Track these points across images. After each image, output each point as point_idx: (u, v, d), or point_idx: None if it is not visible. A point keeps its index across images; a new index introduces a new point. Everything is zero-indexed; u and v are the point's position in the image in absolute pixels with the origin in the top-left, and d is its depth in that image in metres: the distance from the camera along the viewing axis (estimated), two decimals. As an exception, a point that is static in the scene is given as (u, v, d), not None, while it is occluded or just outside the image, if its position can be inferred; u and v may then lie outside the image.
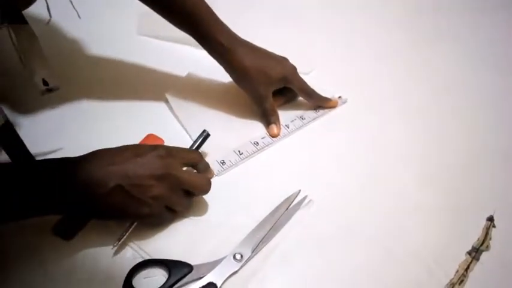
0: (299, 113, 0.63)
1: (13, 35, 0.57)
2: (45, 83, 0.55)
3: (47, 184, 0.42)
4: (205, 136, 0.53)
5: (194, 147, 0.53)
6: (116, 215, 0.46)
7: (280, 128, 0.60)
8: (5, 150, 0.49)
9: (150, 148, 0.46)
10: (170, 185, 0.45)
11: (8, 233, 0.46)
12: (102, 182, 0.42)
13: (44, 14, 0.62)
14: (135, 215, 0.46)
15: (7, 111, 0.56)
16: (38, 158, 0.51)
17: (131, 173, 0.43)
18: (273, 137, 0.59)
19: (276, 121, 0.60)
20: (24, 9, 0.58)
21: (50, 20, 0.62)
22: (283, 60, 0.60)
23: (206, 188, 0.49)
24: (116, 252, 0.46)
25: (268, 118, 0.60)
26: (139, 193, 0.44)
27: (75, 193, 0.43)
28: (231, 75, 0.59)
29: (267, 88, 0.59)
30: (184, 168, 0.48)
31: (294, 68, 0.60)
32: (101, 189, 0.42)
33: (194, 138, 0.56)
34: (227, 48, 0.56)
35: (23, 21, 0.55)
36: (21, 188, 0.41)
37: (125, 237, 0.46)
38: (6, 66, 0.62)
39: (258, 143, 0.58)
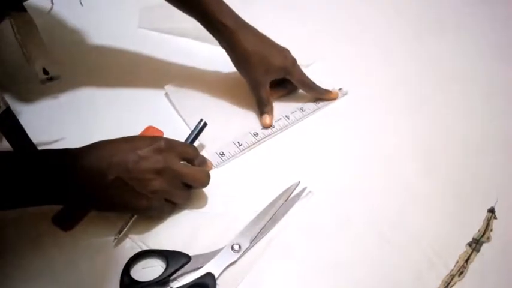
0: (299, 104, 0.62)
1: (15, 27, 0.57)
2: (45, 71, 0.56)
3: (47, 175, 0.42)
4: (202, 125, 0.53)
5: (192, 137, 0.53)
6: (115, 208, 0.46)
7: (272, 119, 0.59)
8: (5, 137, 0.49)
9: (150, 141, 0.46)
10: (170, 178, 0.45)
11: (8, 223, 0.47)
12: (102, 174, 0.42)
13: (45, 2, 0.61)
14: (134, 208, 0.46)
15: (9, 101, 0.56)
16: (39, 148, 0.51)
17: (131, 166, 0.43)
18: (265, 127, 0.59)
19: (270, 112, 0.59)
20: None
21: (51, 8, 0.62)
22: (284, 51, 0.60)
23: (205, 181, 0.48)
24: (116, 244, 0.46)
25: (262, 107, 0.59)
26: (139, 187, 0.44)
27: (75, 184, 0.43)
28: (231, 58, 0.58)
29: (266, 75, 0.58)
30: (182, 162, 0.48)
31: (294, 60, 0.60)
32: (101, 181, 0.43)
33: (194, 130, 0.57)
34: (230, 29, 0.56)
35: (21, 9, 0.55)
36: (21, 177, 0.42)
37: (125, 230, 0.46)
38: (9, 57, 0.62)
39: (257, 133, 0.58)
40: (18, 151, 0.49)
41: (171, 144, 0.47)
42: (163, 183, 0.45)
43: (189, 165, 0.49)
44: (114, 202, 0.45)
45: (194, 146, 0.52)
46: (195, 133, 0.53)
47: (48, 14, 0.64)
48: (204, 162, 0.51)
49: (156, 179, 0.44)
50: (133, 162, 0.43)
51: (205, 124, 0.53)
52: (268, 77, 0.59)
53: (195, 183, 0.48)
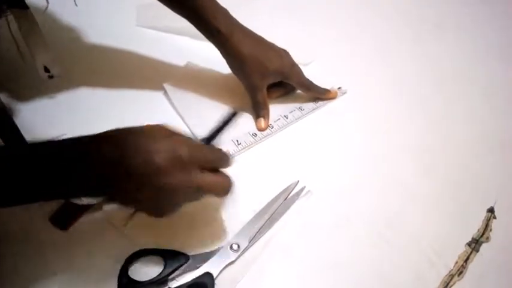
0: (298, 104, 0.62)
1: (11, 25, 0.56)
2: (46, 69, 0.55)
3: (62, 164, 0.38)
4: (232, 114, 0.47)
5: (219, 127, 0.47)
6: (125, 203, 0.43)
7: (268, 123, 0.59)
8: None
9: (171, 145, 0.40)
10: (190, 193, 0.42)
11: (5, 223, 0.46)
12: (120, 172, 0.38)
13: (41, 1, 0.61)
14: (145, 212, 0.43)
15: (6, 99, 0.56)
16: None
17: (146, 179, 0.39)
18: (259, 130, 0.58)
19: (266, 115, 0.59)
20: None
21: (47, 7, 0.61)
22: (282, 53, 0.59)
23: (227, 191, 0.44)
24: (113, 242, 0.46)
25: (258, 111, 0.59)
26: (157, 199, 0.40)
27: (92, 170, 0.39)
28: (227, 62, 0.58)
29: (262, 80, 0.57)
30: None
31: (292, 63, 0.59)
32: (119, 174, 0.38)
33: (191, 128, 0.56)
34: (224, 34, 0.55)
35: (24, 6, 0.54)
36: (30, 169, 0.38)
37: (126, 230, 0.46)
38: (6, 56, 0.62)
39: (256, 134, 0.58)
40: (27, 145, 0.46)
41: (192, 154, 0.41)
42: (182, 198, 0.42)
43: (210, 174, 0.43)
44: (126, 198, 0.41)
45: (217, 150, 0.45)
46: (223, 123, 0.47)
47: (45, 13, 0.63)
48: (226, 160, 0.44)
49: (176, 194, 0.41)
50: (150, 175, 0.39)
51: (234, 113, 0.47)
52: (264, 81, 0.58)
53: (212, 194, 0.44)
